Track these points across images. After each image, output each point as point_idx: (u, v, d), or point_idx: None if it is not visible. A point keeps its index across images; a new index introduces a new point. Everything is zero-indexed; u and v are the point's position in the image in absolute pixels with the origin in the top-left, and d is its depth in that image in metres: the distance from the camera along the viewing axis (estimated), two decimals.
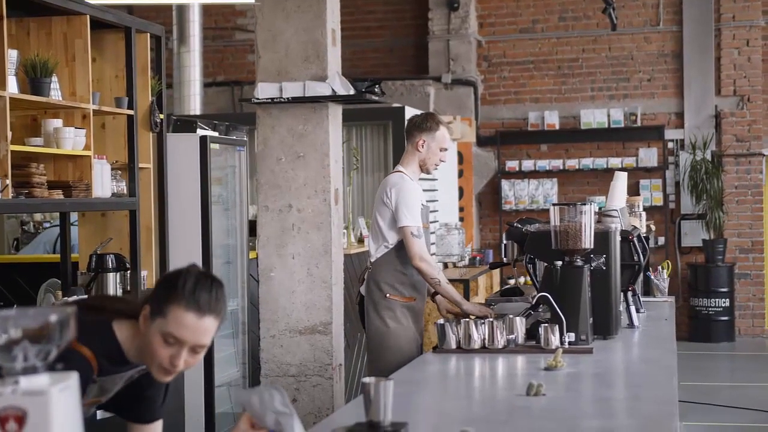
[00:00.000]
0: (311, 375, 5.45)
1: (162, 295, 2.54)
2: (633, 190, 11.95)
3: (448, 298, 5.08)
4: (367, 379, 2.64)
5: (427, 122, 5.16)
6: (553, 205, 4.41)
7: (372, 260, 5.13)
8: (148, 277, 5.91)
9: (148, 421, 2.86)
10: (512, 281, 9.98)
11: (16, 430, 1.71)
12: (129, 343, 2.63)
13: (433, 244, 9.53)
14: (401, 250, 5.04)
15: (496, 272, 10.47)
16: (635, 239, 4.97)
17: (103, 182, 5.32)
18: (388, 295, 5.04)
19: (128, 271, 5.65)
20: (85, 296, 5.14)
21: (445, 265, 9.81)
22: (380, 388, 2.64)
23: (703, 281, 11.99)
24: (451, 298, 5.05)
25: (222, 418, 6.51)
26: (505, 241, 5.02)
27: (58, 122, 5.07)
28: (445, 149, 5.18)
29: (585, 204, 4.38)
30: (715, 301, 11.92)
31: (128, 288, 5.66)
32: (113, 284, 5.49)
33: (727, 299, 11.94)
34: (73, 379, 1.84)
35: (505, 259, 5.07)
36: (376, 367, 5.00)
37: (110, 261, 5.43)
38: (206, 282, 2.55)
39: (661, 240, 12.25)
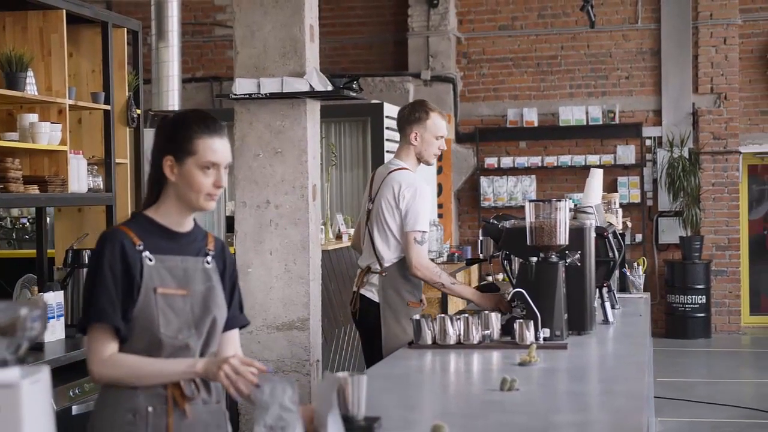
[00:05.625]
0: (289, 371, 5.45)
1: (180, 139, 2.85)
2: (611, 188, 12.01)
3: (459, 298, 4.92)
4: (341, 374, 2.65)
5: (415, 113, 4.93)
6: (529, 201, 4.42)
7: (386, 265, 4.86)
8: None
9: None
10: (490, 278, 10.01)
11: None
12: (164, 212, 2.88)
13: None
14: None
15: (474, 269, 10.50)
16: (610, 236, 4.99)
17: (80, 177, 5.30)
18: (409, 303, 4.86)
19: None
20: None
21: None
22: (354, 383, 2.66)
23: (680, 278, 12.06)
24: (462, 297, 4.92)
25: None
26: (481, 238, 5.01)
27: (33, 117, 5.05)
28: (441, 137, 4.97)
29: (560, 201, 4.39)
30: (692, 298, 11.99)
31: None
32: None
33: (704, 296, 12.02)
34: (44, 372, 1.85)
35: (481, 255, 5.06)
36: None
37: (86, 256, 5.41)
38: (201, 114, 2.92)
39: (639, 237, 12.31)
